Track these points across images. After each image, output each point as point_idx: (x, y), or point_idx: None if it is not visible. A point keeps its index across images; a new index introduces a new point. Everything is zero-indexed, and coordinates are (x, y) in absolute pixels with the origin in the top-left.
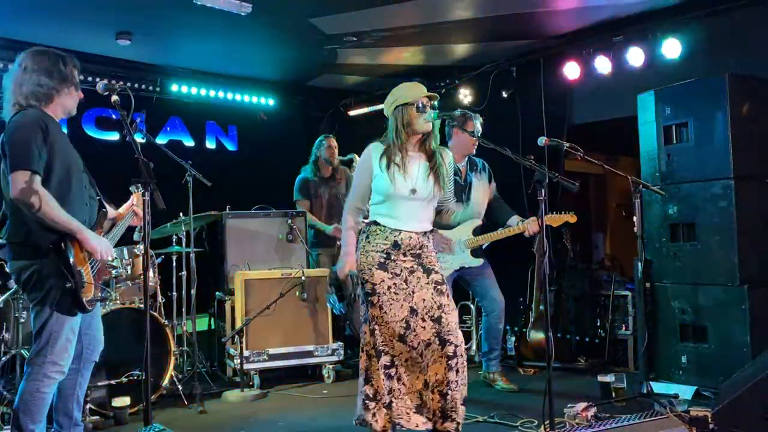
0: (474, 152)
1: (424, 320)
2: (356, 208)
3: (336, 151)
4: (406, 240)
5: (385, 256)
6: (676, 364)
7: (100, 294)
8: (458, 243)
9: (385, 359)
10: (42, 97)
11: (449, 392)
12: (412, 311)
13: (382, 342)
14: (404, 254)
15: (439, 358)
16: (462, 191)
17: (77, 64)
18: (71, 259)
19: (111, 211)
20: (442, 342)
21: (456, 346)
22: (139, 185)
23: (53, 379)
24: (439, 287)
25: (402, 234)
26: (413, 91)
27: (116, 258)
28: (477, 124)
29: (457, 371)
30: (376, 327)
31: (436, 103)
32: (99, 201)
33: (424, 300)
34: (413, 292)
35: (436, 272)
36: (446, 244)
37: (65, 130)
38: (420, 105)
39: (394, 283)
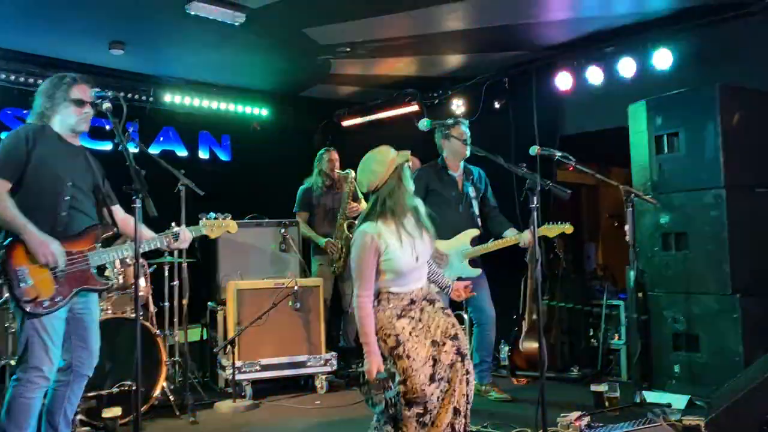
0: (467, 155)
1: (444, 343)
2: (369, 296)
3: (337, 163)
4: (418, 294)
5: (401, 310)
6: (668, 373)
7: (58, 299)
8: (456, 254)
9: (417, 408)
10: (41, 116)
11: (468, 409)
12: (434, 343)
13: (413, 392)
14: (418, 304)
15: (462, 377)
16: (459, 202)
17: (77, 82)
18: (10, 257)
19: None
20: (462, 357)
21: (468, 358)
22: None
23: (36, 385)
24: (446, 311)
25: (414, 292)
26: (391, 153)
27: (108, 268)
28: (465, 130)
29: (469, 382)
30: (407, 379)
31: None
32: (99, 215)
33: (439, 326)
34: (429, 326)
35: (438, 300)
36: (441, 259)
37: None
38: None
39: (414, 327)
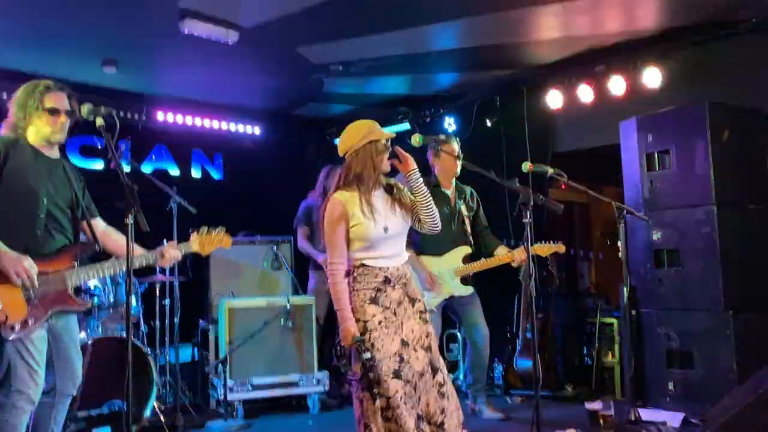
0: (458, 172)
1: (415, 350)
2: (341, 264)
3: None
4: (394, 273)
5: (376, 291)
6: (663, 390)
7: (31, 321)
8: (447, 272)
9: (381, 402)
10: (14, 127)
11: (446, 420)
12: (404, 343)
13: (376, 383)
14: (393, 286)
15: (431, 388)
16: (452, 219)
17: (50, 90)
18: None
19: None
20: (434, 370)
21: (443, 372)
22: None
23: (21, 410)
24: (423, 316)
25: (390, 269)
26: (376, 128)
27: (98, 287)
28: (456, 146)
29: (448, 397)
30: (371, 369)
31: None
32: (76, 233)
33: (413, 330)
34: (402, 324)
35: (419, 301)
36: (431, 282)
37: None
38: (388, 143)
39: (385, 317)
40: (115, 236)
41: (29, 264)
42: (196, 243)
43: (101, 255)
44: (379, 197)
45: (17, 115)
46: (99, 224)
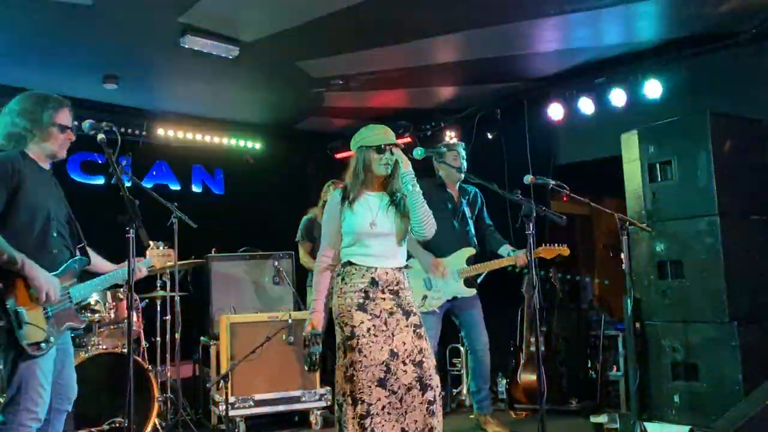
0: (462, 179)
1: (405, 364)
2: (329, 257)
3: None
4: (383, 276)
5: (363, 295)
6: (668, 403)
7: (51, 339)
8: (452, 272)
9: (360, 408)
10: (16, 138)
11: None
12: (393, 354)
13: (359, 389)
14: (382, 291)
15: (419, 405)
16: (455, 219)
17: (62, 106)
18: (8, 298)
19: (102, 263)
20: (423, 387)
21: (435, 390)
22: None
23: (29, 428)
24: (418, 330)
25: (378, 271)
26: (376, 135)
27: (99, 302)
28: (461, 152)
29: (437, 416)
30: (355, 373)
31: (392, 153)
32: (81, 249)
33: (404, 343)
34: (393, 335)
35: (414, 314)
36: (439, 269)
37: None
38: (380, 149)
39: (374, 325)
40: (97, 260)
41: (58, 285)
42: (154, 258)
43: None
44: (375, 197)
45: (23, 126)
46: (86, 248)
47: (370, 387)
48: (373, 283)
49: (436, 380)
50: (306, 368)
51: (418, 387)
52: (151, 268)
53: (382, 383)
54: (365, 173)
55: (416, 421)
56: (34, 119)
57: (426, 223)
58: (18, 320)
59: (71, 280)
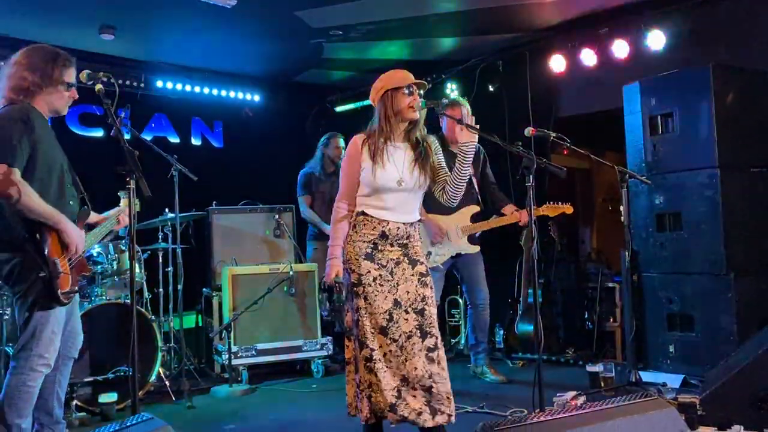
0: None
1: (407, 312)
2: (347, 204)
3: (342, 151)
4: (393, 230)
5: (372, 246)
6: (663, 353)
7: (75, 288)
8: (456, 229)
9: (365, 352)
10: (25, 92)
11: (433, 385)
12: (396, 303)
13: (362, 334)
14: (391, 244)
15: (419, 351)
16: None
17: (71, 63)
18: (46, 249)
19: (93, 214)
20: (423, 334)
21: (436, 338)
22: (126, 192)
23: (39, 373)
24: (423, 279)
25: (390, 224)
26: (401, 77)
27: (101, 254)
28: (464, 111)
29: (439, 363)
30: (360, 318)
31: (422, 92)
32: (81, 199)
33: (408, 292)
34: (398, 284)
35: (421, 263)
36: (441, 235)
37: None
38: (410, 89)
39: (380, 275)
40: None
41: (82, 239)
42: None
43: None
44: (400, 149)
45: (32, 80)
46: None
47: (372, 334)
48: (383, 236)
49: (436, 328)
50: (330, 317)
51: (419, 334)
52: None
53: (383, 331)
54: (395, 117)
55: (416, 368)
56: (44, 75)
57: (460, 195)
58: (57, 270)
59: (82, 229)
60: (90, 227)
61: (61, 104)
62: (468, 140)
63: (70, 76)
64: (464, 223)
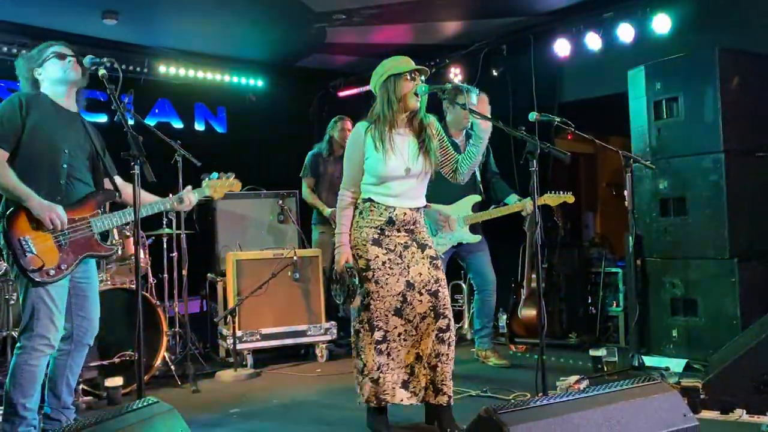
0: (469, 126)
1: (421, 294)
2: (351, 192)
3: (349, 134)
4: (400, 216)
5: (379, 231)
6: (666, 337)
7: (64, 266)
8: (458, 219)
9: (378, 334)
10: (32, 82)
11: (439, 365)
12: (409, 285)
13: (376, 317)
14: (398, 230)
15: (432, 332)
16: None
17: (55, 43)
18: (9, 227)
19: (145, 195)
20: (437, 315)
21: (449, 320)
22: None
23: (42, 352)
24: (434, 262)
25: (396, 210)
26: (403, 63)
27: (110, 236)
28: (473, 96)
29: (448, 345)
30: (372, 302)
31: (423, 78)
32: (111, 183)
33: (420, 274)
34: (409, 267)
35: (430, 247)
36: (446, 222)
37: None
38: (412, 75)
39: (389, 259)
40: (129, 189)
41: (61, 210)
42: (208, 188)
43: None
44: (404, 137)
45: (29, 66)
46: (118, 181)
47: (386, 315)
48: (390, 222)
49: (450, 311)
50: (340, 302)
51: (432, 315)
52: (208, 198)
53: (398, 312)
54: (398, 104)
55: (427, 347)
56: (30, 58)
57: (470, 172)
58: (22, 248)
59: (92, 211)
60: (118, 207)
61: (59, 73)
62: (486, 128)
63: (58, 48)
64: (466, 213)
